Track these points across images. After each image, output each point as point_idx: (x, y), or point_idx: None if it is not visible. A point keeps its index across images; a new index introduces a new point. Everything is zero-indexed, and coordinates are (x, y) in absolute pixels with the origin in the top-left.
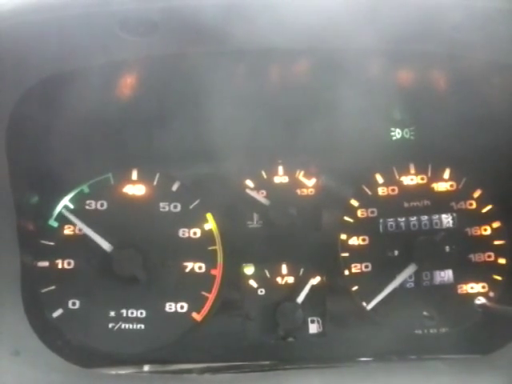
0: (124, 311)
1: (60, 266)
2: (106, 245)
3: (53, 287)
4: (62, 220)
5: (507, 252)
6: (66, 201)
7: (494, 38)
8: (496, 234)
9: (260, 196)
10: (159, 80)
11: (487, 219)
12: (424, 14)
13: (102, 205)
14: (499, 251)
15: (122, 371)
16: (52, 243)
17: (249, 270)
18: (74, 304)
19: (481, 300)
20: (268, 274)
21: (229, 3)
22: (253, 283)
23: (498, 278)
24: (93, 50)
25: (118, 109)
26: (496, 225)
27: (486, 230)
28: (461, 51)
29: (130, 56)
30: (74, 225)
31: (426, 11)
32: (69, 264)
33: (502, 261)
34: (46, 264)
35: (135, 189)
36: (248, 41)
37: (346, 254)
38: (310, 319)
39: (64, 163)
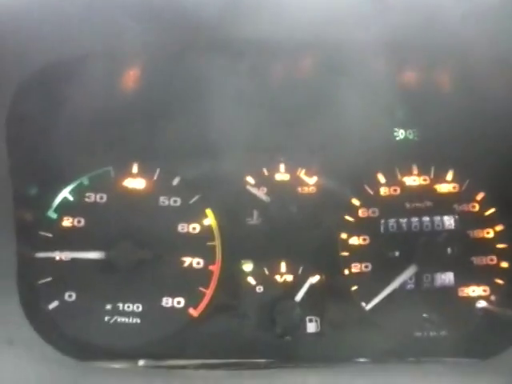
0: (120, 305)
1: (57, 258)
2: (96, 255)
3: (49, 279)
4: (61, 211)
5: (510, 256)
6: (65, 192)
7: (501, 34)
8: (499, 237)
9: (260, 193)
10: (162, 74)
11: (490, 222)
12: (428, 6)
13: (101, 197)
14: (502, 255)
15: (117, 365)
16: (50, 235)
17: (247, 266)
18: (70, 296)
19: (482, 304)
20: (267, 272)
21: None
22: (251, 280)
23: (500, 281)
24: (91, 36)
25: (120, 102)
26: (499, 228)
27: (489, 233)
28: (466, 47)
29: (129, 44)
30: (73, 216)
31: (430, 3)
32: (66, 256)
33: (504, 264)
34: (43, 255)
35: (135, 182)
36: (248, 32)
37: (346, 254)
38: (307, 318)
39: (64, 155)
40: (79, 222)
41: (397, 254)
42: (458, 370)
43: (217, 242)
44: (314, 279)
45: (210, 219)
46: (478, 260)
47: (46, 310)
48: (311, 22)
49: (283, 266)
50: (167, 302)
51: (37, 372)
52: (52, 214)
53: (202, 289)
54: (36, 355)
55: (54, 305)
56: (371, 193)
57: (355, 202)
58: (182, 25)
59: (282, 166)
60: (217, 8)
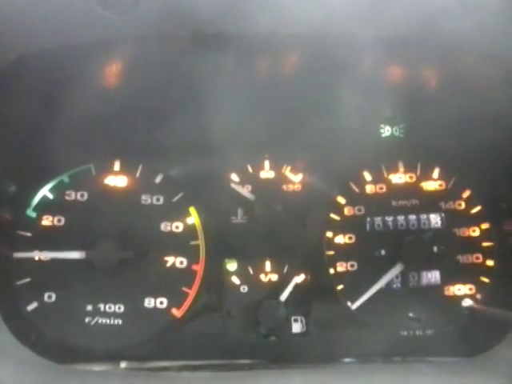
0: (101, 305)
1: (36, 258)
2: (76, 254)
3: (28, 279)
4: (41, 210)
5: (495, 254)
6: (45, 190)
7: (489, 29)
8: (484, 235)
9: (245, 191)
10: (145, 71)
11: (476, 220)
12: (420, 3)
13: (82, 195)
14: (487, 253)
15: (98, 367)
16: (29, 234)
17: (231, 266)
18: (49, 297)
19: (468, 302)
20: (251, 271)
21: None
22: (235, 280)
23: (486, 280)
24: (70, 27)
25: (102, 98)
26: (485, 226)
27: (475, 231)
28: (457, 44)
29: (110, 36)
30: (53, 215)
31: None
32: (46, 256)
33: (489, 263)
34: (21, 255)
35: (117, 180)
36: (233, 23)
37: (332, 252)
38: (293, 318)
39: (44, 152)
40: (59, 220)
41: (383, 252)
42: (444, 369)
43: (200, 241)
44: (299, 278)
45: (193, 218)
46: (463, 258)
47: (24, 311)
48: (302, 13)
49: (268, 265)
50: (149, 302)
51: (14, 376)
52: (31, 213)
53: (185, 289)
54: (13, 358)
55: (32, 306)
56: (357, 191)
57: (341, 200)
58: (161, 12)
59: (266, 163)
60: (213, 4)
